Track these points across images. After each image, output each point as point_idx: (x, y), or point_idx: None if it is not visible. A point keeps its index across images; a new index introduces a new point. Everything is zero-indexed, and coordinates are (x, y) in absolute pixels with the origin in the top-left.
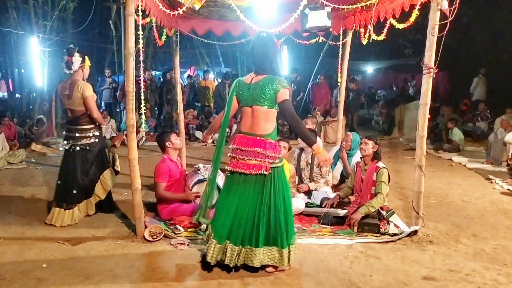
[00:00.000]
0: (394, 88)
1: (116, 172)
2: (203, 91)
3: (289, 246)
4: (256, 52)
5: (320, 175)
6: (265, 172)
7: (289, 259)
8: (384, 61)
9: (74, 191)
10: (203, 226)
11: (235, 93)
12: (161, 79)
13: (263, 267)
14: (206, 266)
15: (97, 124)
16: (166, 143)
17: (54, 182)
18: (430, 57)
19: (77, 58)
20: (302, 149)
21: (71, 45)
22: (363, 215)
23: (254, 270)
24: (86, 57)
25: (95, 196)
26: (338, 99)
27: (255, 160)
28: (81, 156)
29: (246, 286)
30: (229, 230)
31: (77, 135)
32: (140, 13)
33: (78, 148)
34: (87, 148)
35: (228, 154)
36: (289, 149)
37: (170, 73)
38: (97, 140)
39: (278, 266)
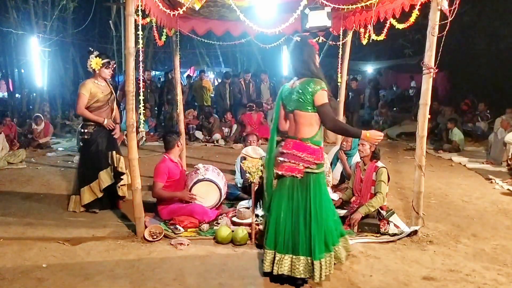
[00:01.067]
0: (394, 88)
1: (119, 174)
2: (199, 91)
3: (320, 260)
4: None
5: None
6: (297, 175)
7: (320, 274)
8: (384, 61)
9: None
10: (203, 226)
11: (281, 99)
12: (162, 79)
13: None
14: (271, 277)
15: (94, 122)
16: (177, 143)
17: (54, 182)
18: (430, 57)
19: (89, 60)
20: None
21: (90, 48)
22: (363, 215)
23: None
24: (96, 59)
25: (91, 192)
26: (338, 99)
27: (290, 162)
28: (82, 148)
29: (246, 286)
30: (275, 236)
31: (77, 129)
32: (140, 13)
33: (80, 143)
34: (81, 143)
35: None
36: None
37: (171, 73)
38: (86, 137)
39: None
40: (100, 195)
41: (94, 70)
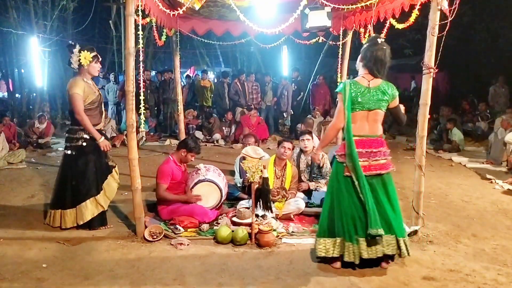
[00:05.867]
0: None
1: (112, 167)
2: (201, 90)
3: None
4: (376, 56)
5: (321, 175)
6: (393, 168)
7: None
8: None
9: (57, 196)
10: (203, 227)
11: (352, 97)
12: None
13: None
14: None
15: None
16: (189, 154)
17: (54, 182)
18: (430, 57)
19: (74, 55)
20: (301, 151)
21: (70, 42)
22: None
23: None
24: (84, 53)
25: (98, 205)
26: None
27: (384, 159)
28: (69, 161)
29: (246, 286)
30: (359, 227)
31: (67, 135)
32: (140, 13)
33: (68, 151)
34: (73, 153)
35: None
36: (293, 148)
37: (166, 74)
38: (84, 143)
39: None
40: (106, 207)
41: (81, 66)
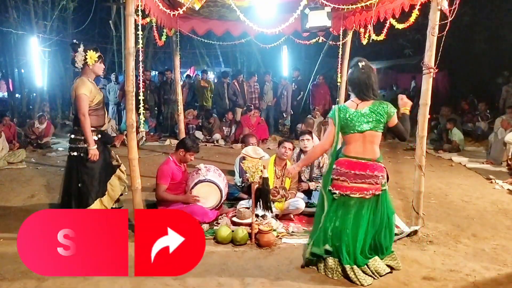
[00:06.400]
0: (394, 88)
1: (116, 167)
2: (201, 90)
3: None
4: (359, 80)
5: (320, 175)
6: (377, 193)
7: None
8: (384, 61)
9: (65, 200)
10: (203, 227)
11: (341, 122)
12: (158, 79)
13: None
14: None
15: (98, 127)
16: (187, 154)
17: (54, 182)
18: (430, 57)
19: (80, 54)
20: (301, 151)
21: (75, 40)
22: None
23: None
24: (90, 52)
25: (102, 206)
26: (338, 99)
27: (369, 183)
28: (75, 162)
29: (246, 286)
30: (352, 250)
31: (72, 136)
32: (140, 13)
33: (74, 153)
34: (81, 155)
35: (333, 176)
36: (293, 149)
37: (166, 74)
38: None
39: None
40: (109, 207)
41: (85, 65)
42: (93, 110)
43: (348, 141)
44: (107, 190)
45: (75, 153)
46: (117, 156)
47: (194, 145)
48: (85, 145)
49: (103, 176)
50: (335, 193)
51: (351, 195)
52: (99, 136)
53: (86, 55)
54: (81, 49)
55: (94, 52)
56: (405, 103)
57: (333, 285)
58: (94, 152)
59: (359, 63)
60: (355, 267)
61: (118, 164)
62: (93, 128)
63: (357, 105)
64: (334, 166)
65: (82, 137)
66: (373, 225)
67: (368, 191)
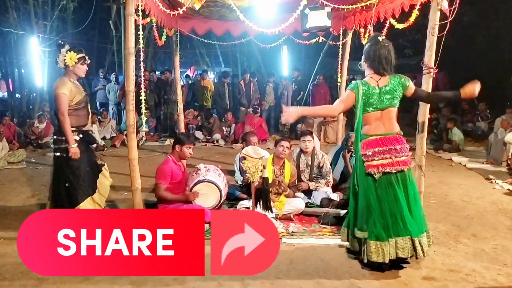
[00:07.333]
0: None
1: (101, 165)
2: (201, 90)
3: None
4: (379, 54)
5: (320, 175)
6: (411, 165)
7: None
8: None
9: (55, 199)
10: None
11: (364, 97)
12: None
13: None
14: (374, 267)
15: (79, 127)
16: (183, 147)
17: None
18: (430, 57)
19: (61, 55)
20: (301, 150)
21: (60, 41)
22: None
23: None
24: (70, 53)
25: (95, 204)
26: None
27: (405, 156)
28: (59, 163)
29: (246, 287)
30: (387, 227)
31: (55, 137)
32: (140, 13)
33: (57, 153)
34: (64, 155)
35: (364, 159)
36: (291, 147)
37: (165, 74)
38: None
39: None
40: (103, 205)
41: (66, 66)
42: (73, 110)
43: (368, 120)
44: (98, 188)
45: (58, 154)
46: (100, 155)
47: (187, 137)
48: (67, 145)
49: (91, 175)
50: (375, 174)
51: (392, 171)
52: (81, 136)
53: (66, 56)
54: (64, 49)
55: (76, 54)
56: (472, 92)
57: (333, 285)
58: (74, 150)
59: (378, 37)
60: (415, 239)
61: (102, 163)
62: (74, 128)
63: (377, 81)
64: (361, 152)
65: (64, 138)
66: (408, 198)
67: (405, 165)
